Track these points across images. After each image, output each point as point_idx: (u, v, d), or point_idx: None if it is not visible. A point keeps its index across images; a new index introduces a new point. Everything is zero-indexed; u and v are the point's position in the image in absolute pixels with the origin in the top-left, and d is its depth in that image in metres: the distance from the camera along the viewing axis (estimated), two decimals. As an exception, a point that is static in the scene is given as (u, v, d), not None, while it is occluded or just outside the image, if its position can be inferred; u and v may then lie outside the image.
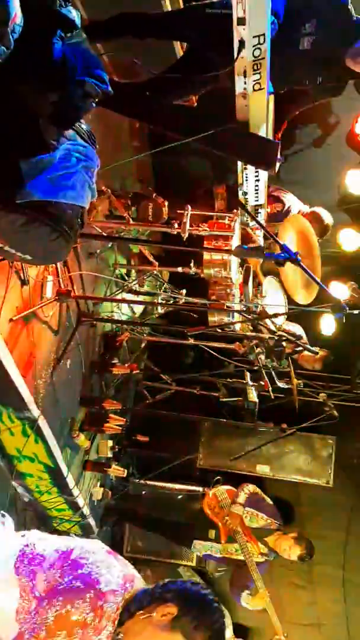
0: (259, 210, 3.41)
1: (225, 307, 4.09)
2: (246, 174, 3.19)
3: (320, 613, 5.82)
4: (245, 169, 3.16)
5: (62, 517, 4.80)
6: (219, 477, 5.52)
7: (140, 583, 1.74)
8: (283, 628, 4.75)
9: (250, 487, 5.26)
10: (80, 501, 4.65)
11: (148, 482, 5.81)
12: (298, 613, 5.78)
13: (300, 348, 4.18)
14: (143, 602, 1.66)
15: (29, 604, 1.64)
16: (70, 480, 4.39)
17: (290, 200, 4.96)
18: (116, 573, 1.69)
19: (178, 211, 4.03)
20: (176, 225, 3.95)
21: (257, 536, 5.09)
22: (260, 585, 4.78)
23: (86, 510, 4.81)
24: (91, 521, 5.02)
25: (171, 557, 5.93)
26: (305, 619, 5.80)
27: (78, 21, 2.40)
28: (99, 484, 5.17)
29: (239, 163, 3.16)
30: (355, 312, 3.19)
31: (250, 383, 5.07)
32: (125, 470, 5.17)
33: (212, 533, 5.28)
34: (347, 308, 2.69)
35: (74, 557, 1.70)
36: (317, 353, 4.48)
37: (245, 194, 3.30)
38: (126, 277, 5.05)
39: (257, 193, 3.30)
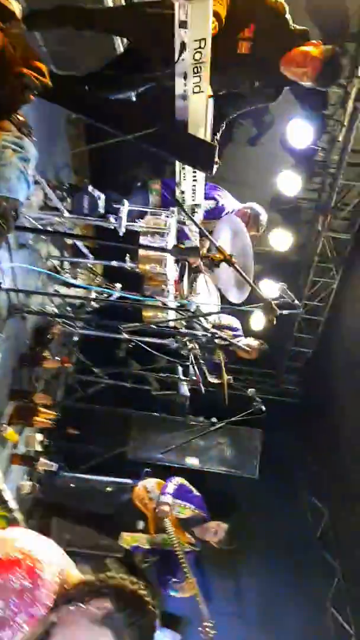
0: (196, 209, 3.46)
1: (160, 304, 4.12)
2: (184, 174, 3.23)
3: (244, 602, 6.01)
4: (183, 168, 3.20)
5: (-12, 511, 4.71)
6: (148, 469, 5.57)
7: (76, 572, 1.75)
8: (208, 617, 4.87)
9: (178, 479, 5.34)
10: (7, 494, 4.58)
11: (77, 475, 5.78)
12: (222, 602, 5.94)
13: (235, 341, 4.27)
14: (81, 591, 1.66)
15: None
16: (-3, 474, 4.33)
17: (225, 198, 5.04)
18: (52, 550, 1.73)
19: (114, 205, 4.02)
20: (112, 220, 3.94)
21: (185, 527, 5.19)
22: (188, 574, 4.87)
23: (13, 504, 4.74)
24: (17, 515, 4.95)
25: (98, 549, 5.94)
26: (229, 608, 5.97)
27: (18, 12, 2.35)
28: (26, 477, 5.10)
29: (177, 162, 3.19)
30: (285, 312, 3.31)
31: (182, 377, 5.14)
32: (54, 464, 5.13)
33: (140, 524, 5.34)
34: (277, 309, 2.78)
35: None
36: (248, 351, 4.59)
37: (182, 192, 3.34)
38: (59, 270, 4.98)
39: (194, 193, 3.35)
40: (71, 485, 5.79)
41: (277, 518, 6.22)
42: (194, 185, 3.38)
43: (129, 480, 5.70)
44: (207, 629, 4.66)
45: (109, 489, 5.77)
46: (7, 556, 1.65)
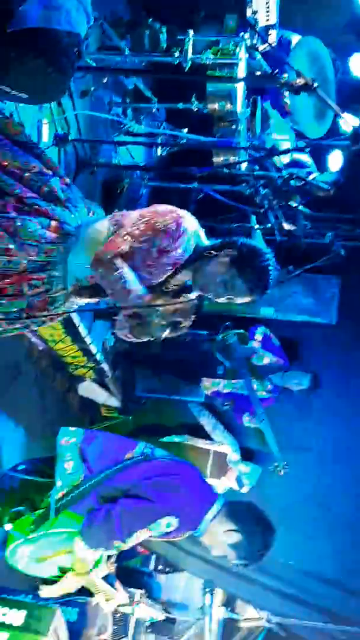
0: (270, 31, 3.08)
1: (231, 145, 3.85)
2: (256, -12, 2.83)
3: (318, 439, 6.22)
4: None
5: (77, 364, 4.98)
6: (228, 323, 5.59)
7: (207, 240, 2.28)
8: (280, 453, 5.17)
9: (262, 327, 5.44)
10: (93, 348, 4.79)
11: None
12: (293, 439, 6.17)
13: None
14: (215, 245, 2.24)
15: None
16: (83, 330, 4.50)
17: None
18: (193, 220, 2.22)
19: (178, 37, 3.65)
20: (177, 54, 3.60)
21: (264, 374, 5.35)
22: (258, 409, 5.11)
23: (100, 356, 4.97)
24: (105, 366, 5.21)
25: (181, 395, 6.21)
26: (304, 444, 6.20)
27: None
28: (109, 332, 5.28)
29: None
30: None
31: (256, 226, 4.97)
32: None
33: (220, 370, 5.55)
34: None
35: None
36: (328, 190, 4.31)
37: (254, 12, 2.95)
38: (123, 117, 4.72)
39: (267, 11, 2.95)
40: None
41: (354, 363, 6.23)
42: (267, 2, 2.97)
43: (204, 332, 5.81)
44: (279, 466, 4.96)
45: (187, 339, 5.91)
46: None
